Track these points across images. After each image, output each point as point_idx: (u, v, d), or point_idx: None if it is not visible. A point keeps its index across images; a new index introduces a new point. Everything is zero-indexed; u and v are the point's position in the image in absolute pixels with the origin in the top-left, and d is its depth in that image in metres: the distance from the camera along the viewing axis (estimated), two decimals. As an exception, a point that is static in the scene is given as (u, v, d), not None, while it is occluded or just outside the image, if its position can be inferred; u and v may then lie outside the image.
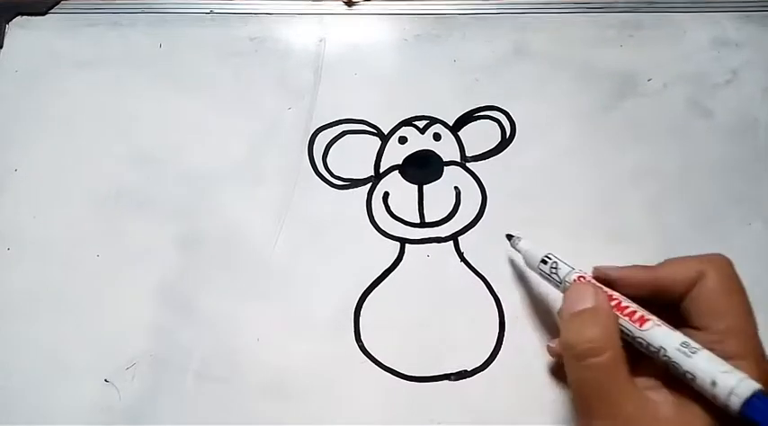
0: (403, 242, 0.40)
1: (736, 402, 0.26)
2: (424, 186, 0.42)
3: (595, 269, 0.33)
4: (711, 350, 0.28)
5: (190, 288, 0.39)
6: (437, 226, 0.41)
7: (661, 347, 0.29)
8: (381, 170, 0.42)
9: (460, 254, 0.40)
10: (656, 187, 0.41)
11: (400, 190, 0.42)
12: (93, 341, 0.38)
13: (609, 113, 0.43)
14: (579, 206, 0.41)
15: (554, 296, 0.38)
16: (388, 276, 0.39)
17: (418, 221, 0.41)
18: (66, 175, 0.42)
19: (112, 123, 0.44)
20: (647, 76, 0.44)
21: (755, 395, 0.26)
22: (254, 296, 0.39)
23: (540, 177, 0.42)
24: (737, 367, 0.27)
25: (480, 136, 0.43)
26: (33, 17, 0.47)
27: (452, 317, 0.38)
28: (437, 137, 0.43)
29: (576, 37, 0.45)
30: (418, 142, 0.43)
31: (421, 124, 0.43)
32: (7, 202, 0.42)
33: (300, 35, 0.46)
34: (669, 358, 0.28)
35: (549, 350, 0.36)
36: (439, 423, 0.36)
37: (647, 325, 0.29)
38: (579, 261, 0.38)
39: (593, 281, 0.33)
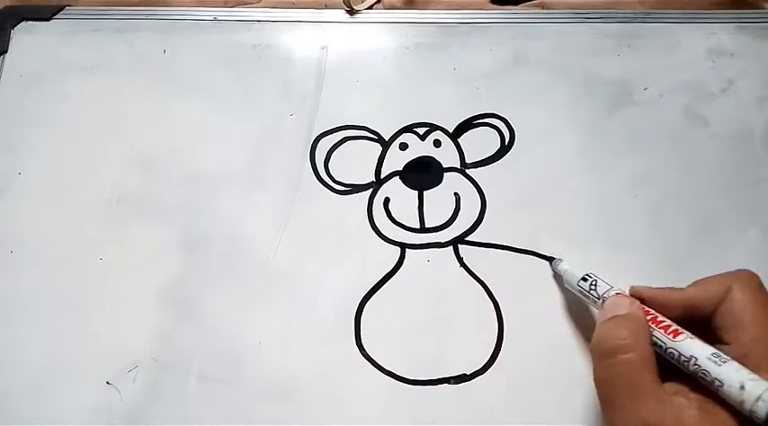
0: (403, 247, 0.41)
1: (762, 407, 0.26)
2: (425, 192, 0.42)
3: (631, 288, 0.34)
4: (740, 362, 0.28)
5: (192, 292, 0.39)
6: (437, 231, 0.41)
7: (692, 356, 0.29)
8: (382, 176, 0.43)
9: (460, 260, 0.40)
10: (653, 195, 0.42)
11: (401, 196, 0.42)
12: (95, 343, 0.38)
13: (607, 122, 0.44)
14: (578, 213, 0.41)
15: (553, 301, 0.39)
16: (388, 281, 0.40)
17: (418, 226, 0.41)
18: (69, 179, 0.43)
19: (116, 128, 0.44)
20: (644, 85, 0.45)
21: None
22: (255, 299, 0.39)
23: (539, 184, 0.42)
24: (765, 377, 0.28)
25: (480, 143, 0.43)
26: (38, 22, 0.48)
27: (452, 322, 0.39)
28: (437, 143, 0.43)
29: (575, 46, 0.46)
30: (419, 148, 0.43)
31: (421, 131, 0.44)
32: (10, 205, 0.42)
33: (303, 42, 0.47)
34: (699, 366, 0.29)
35: None
36: (438, 427, 0.36)
37: (680, 337, 0.30)
38: (578, 268, 0.39)
39: (630, 297, 0.34)
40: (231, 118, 0.44)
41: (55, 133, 0.44)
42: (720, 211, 0.41)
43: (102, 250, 0.41)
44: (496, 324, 0.38)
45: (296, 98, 0.45)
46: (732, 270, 0.38)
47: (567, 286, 0.38)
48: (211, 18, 0.48)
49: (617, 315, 0.31)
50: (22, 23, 0.48)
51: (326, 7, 0.48)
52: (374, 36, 0.47)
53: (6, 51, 0.47)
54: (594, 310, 0.37)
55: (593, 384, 0.34)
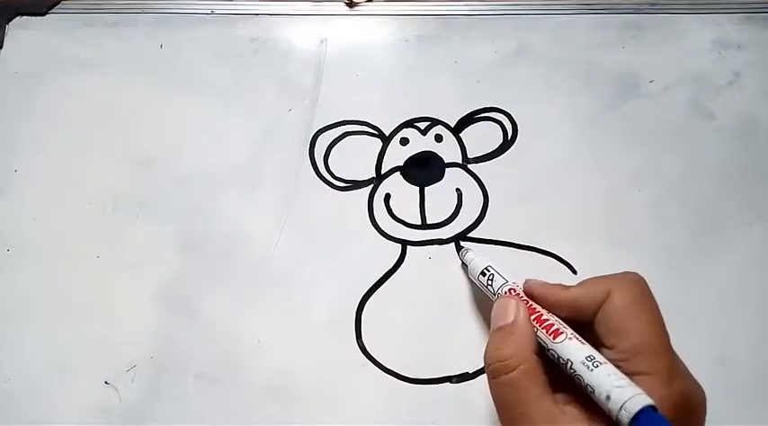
0: (404, 243, 0.40)
1: (625, 416, 0.25)
2: (426, 188, 0.42)
3: (525, 282, 0.34)
4: (618, 367, 0.28)
5: (190, 290, 0.39)
6: (439, 227, 0.41)
7: (569, 360, 0.29)
8: (383, 171, 0.42)
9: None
10: (657, 188, 0.41)
11: (402, 192, 0.41)
12: (94, 343, 0.38)
13: (611, 115, 0.43)
14: (581, 207, 0.41)
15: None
16: (389, 278, 0.39)
17: (420, 223, 0.41)
18: (66, 176, 0.42)
19: (113, 124, 0.44)
20: (649, 78, 0.44)
21: (644, 411, 0.25)
22: (254, 298, 0.39)
23: (542, 179, 0.41)
24: (640, 384, 0.27)
25: (482, 137, 0.43)
26: (33, 17, 0.47)
27: (454, 320, 0.38)
28: (438, 138, 0.43)
29: (578, 38, 0.45)
30: (420, 143, 0.43)
31: (422, 125, 0.43)
32: (7, 203, 0.42)
33: (301, 36, 0.46)
34: (574, 370, 0.28)
35: None
36: (440, 425, 0.36)
37: (559, 338, 0.30)
38: (580, 262, 0.39)
39: (521, 294, 0.33)
40: (229, 113, 0.44)
41: (51, 130, 0.44)
42: (725, 206, 0.41)
43: (99, 248, 0.40)
44: (499, 322, 0.38)
45: (295, 93, 0.44)
46: (733, 264, 0.38)
47: (470, 278, 0.38)
48: (208, 11, 0.47)
49: (501, 327, 0.31)
50: (17, 18, 0.47)
51: (325, 0, 0.48)
52: (374, 29, 0.47)
53: (1, 47, 0.46)
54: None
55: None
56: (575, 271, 0.39)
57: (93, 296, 0.39)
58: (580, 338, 0.30)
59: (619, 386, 0.26)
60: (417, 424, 0.36)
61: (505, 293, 0.33)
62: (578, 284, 0.32)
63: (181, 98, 0.44)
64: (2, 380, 0.37)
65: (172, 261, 0.40)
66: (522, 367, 0.29)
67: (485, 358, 0.31)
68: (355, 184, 0.42)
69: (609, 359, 0.28)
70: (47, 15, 0.47)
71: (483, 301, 0.38)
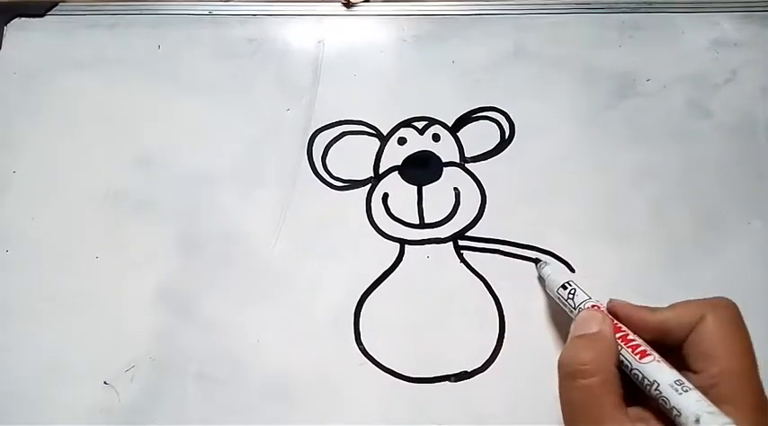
0: (402, 243, 0.40)
1: None
2: (424, 187, 0.42)
3: (609, 302, 0.34)
4: (705, 394, 0.28)
5: (189, 290, 0.39)
6: (437, 226, 0.41)
7: (655, 381, 0.29)
8: (381, 171, 0.42)
9: (460, 255, 0.40)
10: (656, 187, 0.41)
11: (400, 191, 0.42)
12: (93, 343, 0.38)
13: (608, 114, 0.43)
14: (579, 206, 0.41)
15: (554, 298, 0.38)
16: (387, 277, 0.39)
17: (418, 222, 0.41)
18: (64, 177, 0.42)
19: (111, 125, 0.44)
20: (647, 77, 0.44)
21: None
22: (253, 297, 0.39)
23: (540, 178, 0.42)
24: (727, 412, 0.27)
25: (479, 136, 0.43)
26: (31, 19, 0.47)
27: (452, 318, 0.38)
28: (436, 137, 0.43)
29: (576, 37, 0.45)
30: (417, 143, 0.43)
31: (420, 125, 0.43)
32: (6, 204, 0.42)
33: (299, 36, 0.46)
34: (660, 392, 0.28)
35: None
36: (439, 424, 0.36)
37: (646, 359, 0.30)
38: (580, 261, 0.39)
39: (605, 312, 0.33)
40: (227, 113, 0.44)
41: (50, 130, 0.44)
42: (724, 204, 0.41)
43: (98, 248, 0.40)
44: (497, 321, 0.38)
45: (293, 93, 0.44)
46: (733, 261, 0.38)
47: (548, 291, 0.37)
48: (206, 12, 0.47)
49: (585, 334, 0.31)
50: (16, 20, 0.47)
51: (323, 0, 0.48)
52: (371, 29, 0.47)
53: (0, 48, 0.46)
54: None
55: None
56: (573, 270, 0.39)
57: (92, 296, 0.39)
58: (666, 362, 0.30)
59: (710, 412, 0.26)
60: (416, 423, 0.36)
61: (587, 308, 0.33)
62: (666, 307, 0.32)
63: (179, 98, 0.44)
64: (1, 381, 0.38)
65: (170, 260, 0.40)
66: (601, 375, 0.29)
67: (561, 360, 0.31)
68: (353, 184, 0.42)
69: (695, 385, 0.28)
70: (45, 17, 0.47)
71: (482, 300, 0.38)
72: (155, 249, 0.40)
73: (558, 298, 0.36)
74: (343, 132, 0.43)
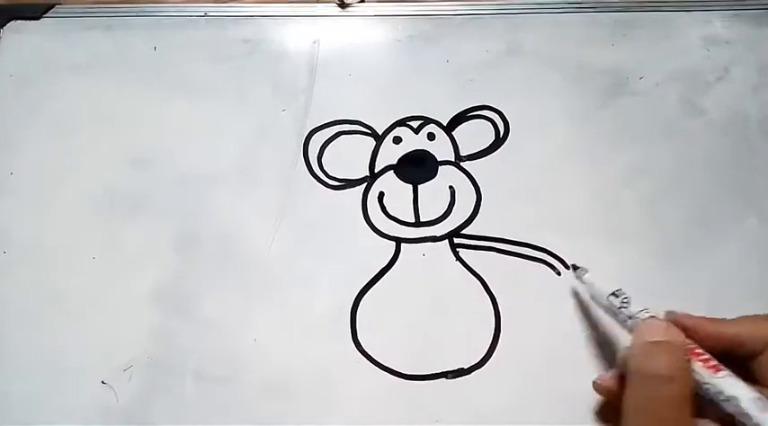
0: (398, 241, 0.40)
1: None
2: (419, 186, 0.42)
3: (667, 313, 0.33)
4: None
5: (186, 290, 0.39)
6: (432, 225, 0.41)
7: (734, 396, 0.28)
8: (376, 170, 0.42)
9: (456, 253, 0.40)
10: (650, 185, 0.41)
11: (395, 190, 0.42)
12: (90, 342, 0.38)
13: (602, 112, 0.43)
14: (574, 204, 0.41)
15: (550, 294, 0.38)
16: (383, 275, 0.40)
17: (413, 221, 0.41)
18: (61, 178, 0.42)
19: (107, 126, 0.44)
20: (639, 75, 0.44)
21: None
22: (250, 296, 0.39)
23: (535, 176, 0.42)
24: None
25: (474, 135, 0.43)
26: (28, 21, 0.47)
27: (448, 316, 0.38)
28: (431, 136, 0.43)
29: (569, 36, 0.46)
30: (413, 142, 0.43)
31: (415, 124, 0.44)
32: (3, 205, 0.42)
33: (294, 37, 0.47)
34: (740, 408, 0.27)
35: (597, 387, 0.34)
36: (436, 421, 0.36)
37: (721, 373, 0.29)
38: (573, 259, 0.39)
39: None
40: (223, 114, 0.44)
41: (46, 133, 0.44)
42: (717, 200, 0.41)
43: (95, 249, 0.40)
44: (493, 318, 0.38)
45: (288, 93, 0.44)
46: (727, 258, 0.39)
47: (591, 298, 0.36)
48: (202, 14, 0.47)
49: (658, 341, 0.30)
50: (12, 23, 0.47)
51: (318, 1, 0.48)
52: (366, 29, 0.47)
53: (-4, 51, 0.46)
54: (600, 314, 0.37)
55: (591, 376, 0.34)
56: (567, 267, 0.39)
57: (90, 296, 0.39)
58: (738, 377, 0.29)
59: None
60: (413, 420, 0.36)
61: (648, 318, 0.32)
62: (733, 320, 0.32)
63: (175, 99, 0.44)
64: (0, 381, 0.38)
65: (168, 261, 0.40)
66: (682, 383, 0.28)
67: (636, 366, 0.30)
68: (349, 183, 0.42)
69: None
70: (41, 19, 0.48)
71: (477, 298, 0.39)
72: (152, 249, 0.40)
73: (607, 307, 0.34)
74: (339, 132, 0.44)
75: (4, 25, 0.47)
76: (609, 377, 0.33)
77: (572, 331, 0.37)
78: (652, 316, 0.32)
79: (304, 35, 0.47)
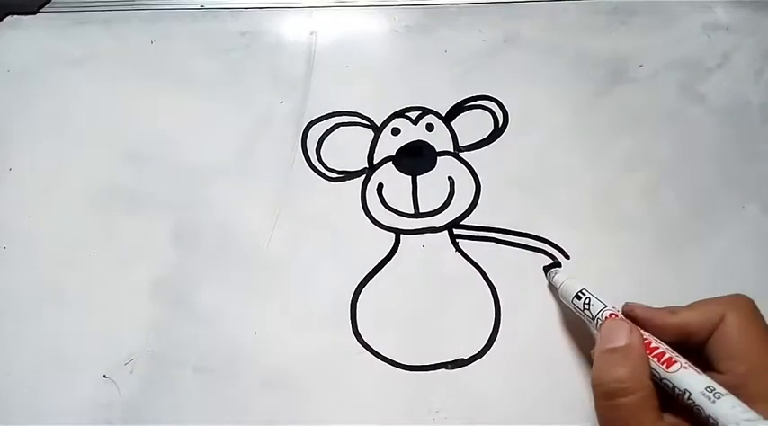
0: (398, 232, 0.40)
1: None
2: (418, 177, 0.42)
3: (625, 305, 0.33)
4: (736, 394, 0.27)
5: (186, 283, 0.39)
6: (431, 216, 0.41)
7: (686, 390, 0.28)
8: (375, 161, 0.42)
9: (455, 244, 0.40)
10: (650, 172, 0.41)
11: (394, 182, 0.42)
12: (91, 337, 0.38)
13: (601, 100, 0.43)
14: (573, 193, 0.41)
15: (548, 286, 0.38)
16: (383, 267, 0.40)
17: (413, 212, 0.41)
18: (59, 173, 0.42)
19: (105, 120, 0.44)
20: (639, 62, 0.44)
21: None
22: (250, 289, 0.39)
23: (534, 165, 0.42)
24: (760, 410, 0.26)
25: (473, 125, 0.43)
26: (24, 16, 0.47)
27: (448, 306, 0.38)
28: (430, 127, 0.43)
29: (567, 24, 0.45)
30: (411, 133, 0.43)
31: (413, 115, 0.43)
32: (2, 201, 0.42)
33: (291, 28, 0.46)
34: (693, 402, 0.28)
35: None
36: (437, 411, 0.36)
37: (673, 367, 0.29)
38: (573, 248, 0.39)
39: (626, 319, 0.32)
40: (221, 107, 0.44)
41: (44, 127, 0.44)
42: (719, 187, 0.41)
43: (94, 244, 0.40)
44: (493, 308, 0.38)
45: (286, 85, 0.44)
46: (727, 246, 0.38)
47: (561, 299, 0.37)
48: (198, 6, 0.47)
49: (616, 348, 0.30)
50: (8, 18, 0.47)
51: (314, -8, 0.48)
52: (363, 20, 0.47)
53: (-7, 46, 0.46)
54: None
55: (589, 365, 0.34)
56: (567, 256, 0.39)
57: (90, 291, 0.39)
58: (693, 366, 0.29)
59: (747, 420, 0.26)
60: (414, 410, 0.36)
61: (606, 318, 0.32)
62: (685, 308, 0.32)
63: (173, 93, 0.44)
64: (0, 376, 0.38)
65: (167, 254, 0.40)
66: (640, 392, 0.28)
67: (595, 379, 0.30)
68: (348, 175, 0.42)
69: (723, 386, 0.28)
70: (38, 14, 0.48)
71: (477, 288, 0.39)
72: (151, 243, 0.40)
73: (575, 308, 0.35)
74: (337, 123, 0.43)
75: (1, 20, 0.47)
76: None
77: (571, 320, 0.37)
78: (612, 314, 0.32)
79: (301, 26, 0.46)
